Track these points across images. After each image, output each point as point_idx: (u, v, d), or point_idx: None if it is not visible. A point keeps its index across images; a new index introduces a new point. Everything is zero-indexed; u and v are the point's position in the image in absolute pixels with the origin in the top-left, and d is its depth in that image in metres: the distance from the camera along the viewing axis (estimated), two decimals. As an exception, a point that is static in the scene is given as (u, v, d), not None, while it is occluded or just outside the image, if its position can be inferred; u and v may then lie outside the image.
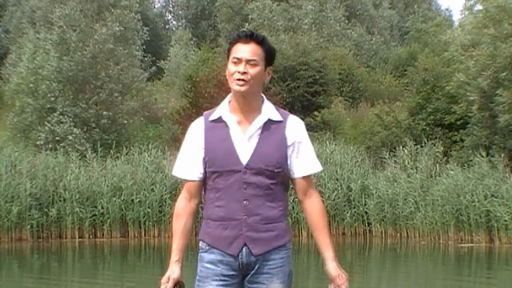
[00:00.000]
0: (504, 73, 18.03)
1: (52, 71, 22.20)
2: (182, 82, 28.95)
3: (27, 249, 16.72)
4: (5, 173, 17.25)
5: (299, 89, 25.63)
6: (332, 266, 3.58)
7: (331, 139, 20.69)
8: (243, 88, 3.45)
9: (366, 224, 18.18)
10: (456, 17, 65.34)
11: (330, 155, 19.12)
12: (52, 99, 22.12)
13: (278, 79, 25.55)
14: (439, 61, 23.03)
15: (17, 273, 14.07)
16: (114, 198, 17.68)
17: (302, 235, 17.98)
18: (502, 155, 17.56)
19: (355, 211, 18.13)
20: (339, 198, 18.11)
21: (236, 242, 3.48)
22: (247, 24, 36.58)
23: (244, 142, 3.48)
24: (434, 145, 18.87)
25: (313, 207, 3.56)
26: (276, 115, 3.54)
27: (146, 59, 26.41)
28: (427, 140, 19.16)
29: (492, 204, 16.14)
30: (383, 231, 17.94)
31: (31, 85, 22.51)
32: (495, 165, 17.16)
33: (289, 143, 3.52)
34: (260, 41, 3.50)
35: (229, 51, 3.54)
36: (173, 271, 3.53)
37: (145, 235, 17.81)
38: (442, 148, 18.87)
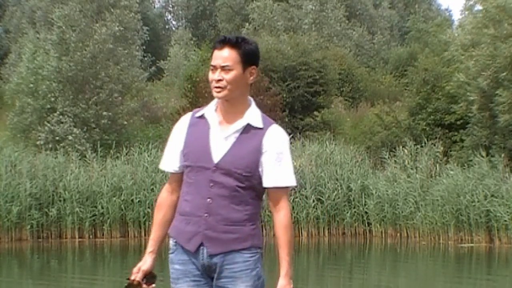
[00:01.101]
0: (504, 73, 18.03)
1: (52, 71, 22.20)
2: (182, 82, 28.96)
3: (27, 249, 16.73)
4: (5, 173, 17.26)
5: (299, 89, 25.62)
6: (281, 283, 3.56)
7: (331, 139, 20.69)
8: (220, 95, 3.49)
9: (366, 224, 18.18)
10: (456, 17, 65.34)
11: (330, 155, 19.12)
12: (52, 99, 22.11)
13: (278, 79, 25.54)
14: (439, 61, 23.01)
15: (17, 273, 14.07)
16: (114, 198, 17.68)
17: (302, 235, 17.99)
18: (502, 155, 17.56)
19: (355, 211, 18.13)
20: (339, 198, 18.11)
21: (194, 238, 3.49)
22: (247, 24, 36.61)
23: (220, 142, 3.50)
24: (434, 145, 18.87)
25: (278, 222, 3.55)
26: (257, 122, 3.53)
27: (146, 59, 26.42)
28: (427, 140, 19.16)
29: (492, 204, 16.14)
30: (383, 231, 17.93)
31: (31, 85, 22.50)
32: (495, 165, 17.17)
33: (264, 150, 3.49)
34: (234, 44, 3.49)
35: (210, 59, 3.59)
36: (145, 261, 3.55)
37: (145, 235, 17.79)
38: (442, 148, 18.87)
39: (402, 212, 17.47)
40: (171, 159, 3.63)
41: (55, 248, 16.93)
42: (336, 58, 30.16)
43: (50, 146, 20.78)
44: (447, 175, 17.29)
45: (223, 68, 3.48)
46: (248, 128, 3.52)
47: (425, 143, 18.85)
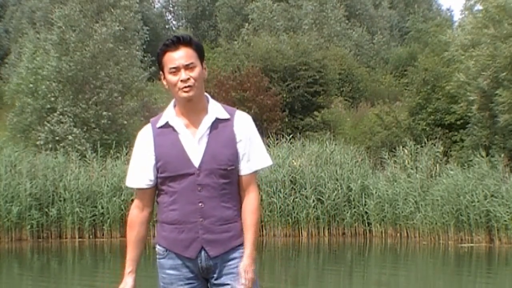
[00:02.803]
0: (504, 73, 18.03)
1: (52, 71, 22.20)
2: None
3: (27, 249, 16.72)
4: (5, 173, 17.25)
5: (299, 89, 25.63)
6: (244, 263, 3.45)
7: (331, 139, 20.69)
8: (191, 93, 3.45)
9: (366, 224, 18.17)
10: (457, 17, 65.33)
11: (330, 155, 19.11)
12: (52, 99, 22.11)
13: (278, 79, 25.56)
14: (439, 61, 23.02)
15: (17, 273, 14.07)
16: (114, 198, 17.68)
17: (302, 235, 17.98)
18: (502, 155, 17.56)
19: (355, 211, 18.12)
20: (339, 198, 18.10)
21: (193, 245, 3.47)
22: (247, 24, 36.61)
23: (194, 144, 3.47)
24: (434, 145, 18.87)
25: (247, 204, 3.50)
26: (223, 113, 3.53)
27: (146, 59, 26.40)
28: (427, 140, 19.16)
29: (492, 204, 16.14)
30: (383, 231, 17.93)
31: (31, 85, 22.50)
32: (495, 165, 17.16)
33: (237, 139, 3.50)
34: (188, 42, 3.49)
35: (160, 63, 3.51)
36: (126, 283, 3.55)
37: (145, 235, 17.79)
38: (442, 148, 18.87)
39: (402, 212, 17.47)
40: (141, 175, 3.54)
41: (55, 248, 16.92)
42: (336, 58, 30.18)
43: (50, 146, 20.79)
44: (447, 175, 17.28)
45: (187, 66, 3.45)
46: (216, 122, 3.50)
47: (425, 143, 18.85)
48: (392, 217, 17.72)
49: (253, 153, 3.53)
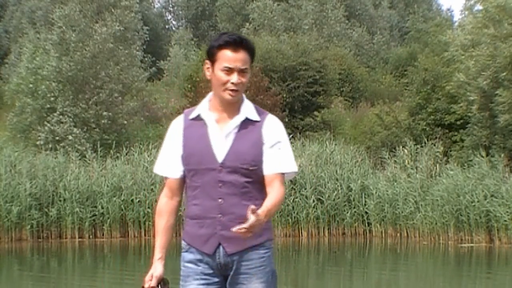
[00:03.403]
0: (504, 73, 18.02)
1: (51, 71, 22.20)
2: (182, 82, 28.96)
3: (27, 249, 16.72)
4: (5, 173, 17.25)
5: (299, 89, 25.62)
6: (259, 210, 3.29)
7: (331, 139, 20.69)
8: (235, 98, 3.48)
9: (366, 224, 18.17)
10: (457, 17, 65.32)
11: (330, 155, 19.11)
12: (52, 99, 22.11)
13: (278, 79, 25.55)
14: (439, 61, 23.02)
15: (17, 273, 14.07)
16: (114, 198, 17.68)
17: (302, 235, 17.98)
18: (502, 155, 17.56)
19: (355, 211, 18.13)
20: (339, 198, 18.10)
21: (210, 240, 3.48)
22: (247, 24, 36.62)
23: (221, 140, 3.48)
24: (434, 145, 18.87)
25: (271, 194, 3.44)
26: (254, 115, 3.54)
27: (146, 59, 26.41)
28: (427, 140, 19.16)
29: (492, 204, 16.13)
30: (383, 231, 17.93)
31: (31, 85, 22.50)
32: (495, 165, 17.16)
33: (265, 141, 3.50)
34: (246, 46, 3.48)
35: (213, 54, 3.48)
36: (156, 268, 3.54)
37: (145, 235, 17.81)
38: (442, 148, 18.87)
39: (402, 212, 17.47)
40: (170, 165, 3.57)
41: (55, 248, 16.92)
42: (336, 58, 30.17)
43: (50, 146, 20.78)
44: (447, 175, 17.28)
45: (241, 70, 3.46)
46: (246, 122, 3.51)
47: (425, 143, 18.86)
48: (392, 217, 17.72)
49: (279, 157, 3.53)
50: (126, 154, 19.05)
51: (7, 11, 43.14)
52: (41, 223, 17.28)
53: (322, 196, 18.06)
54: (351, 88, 30.41)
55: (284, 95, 24.98)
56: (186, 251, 3.56)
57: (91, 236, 17.69)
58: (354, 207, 18.15)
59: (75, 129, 21.44)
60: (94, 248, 17.14)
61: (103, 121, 21.99)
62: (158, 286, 3.52)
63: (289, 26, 35.79)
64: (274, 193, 3.46)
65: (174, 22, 51.95)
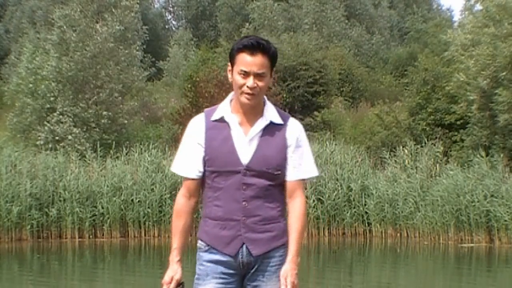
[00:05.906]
0: (504, 73, 18.02)
1: (51, 71, 22.20)
2: (182, 82, 28.95)
3: (27, 249, 16.72)
4: (5, 173, 17.25)
5: (299, 89, 25.63)
6: (286, 268, 3.49)
7: (331, 139, 20.68)
8: (252, 102, 3.48)
9: (366, 224, 18.17)
10: (457, 17, 65.33)
11: (330, 155, 19.11)
12: (52, 99, 22.11)
13: (278, 79, 25.54)
14: (439, 61, 23.03)
15: (17, 273, 14.06)
16: (114, 198, 17.67)
17: (302, 235, 17.94)
18: (502, 155, 17.56)
19: (355, 211, 18.13)
20: (339, 198, 18.10)
21: (234, 242, 3.50)
22: (247, 24, 36.60)
23: (245, 143, 3.49)
24: (434, 145, 18.87)
25: (294, 209, 3.54)
26: (277, 118, 3.55)
27: (146, 59, 26.42)
28: (427, 140, 19.16)
29: (492, 204, 16.13)
30: (383, 231, 17.93)
31: (31, 85, 22.50)
32: (495, 165, 17.16)
33: (288, 145, 3.53)
34: (266, 50, 3.47)
35: (232, 57, 3.50)
36: (176, 271, 3.53)
37: (145, 235, 17.81)
38: (442, 148, 18.87)
39: (402, 212, 17.47)
40: (189, 165, 3.56)
41: (55, 248, 16.92)
42: (336, 58, 30.17)
43: (50, 146, 20.78)
44: (447, 175, 17.28)
45: (257, 75, 3.45)
46: (270, 126, 3.52)
47: (425, 143, 18.85)
48: (392, 217, 17.72)
49: (302, 162, 3.56)
50: (126, 154, 19.05)
51: (7, 11, 43.15)
52: (41, 223, 17.27)
53: (322, 196, 18.06)
54: (351, 88, 30.41)
55: (284, 95, 24.99)
56: (206, 251, 3.55)
57: (91, 236, 17.68)
58: (354, 207, 18.15)
59: (75, 129, 21.44)
60: (94, 248, 17.13)
61: (103, 121, 21.99)
62: None
63: (289, 26, 35.79)
64: (296, 217, 3.51)
65: (174, 22, 51.98)
